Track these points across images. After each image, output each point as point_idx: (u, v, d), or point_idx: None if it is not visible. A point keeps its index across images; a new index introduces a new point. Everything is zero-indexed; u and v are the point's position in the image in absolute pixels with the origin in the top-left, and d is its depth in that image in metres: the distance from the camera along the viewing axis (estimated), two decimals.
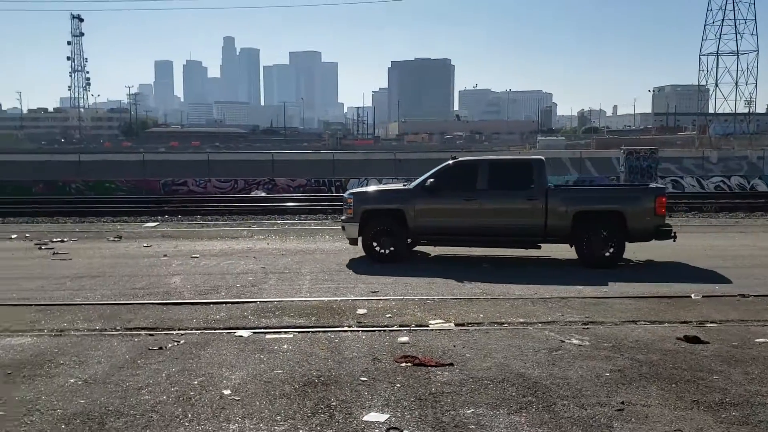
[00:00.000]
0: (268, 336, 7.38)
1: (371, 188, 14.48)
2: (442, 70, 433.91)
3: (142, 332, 7.63)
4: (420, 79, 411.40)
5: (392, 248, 12.52)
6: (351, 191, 13.60)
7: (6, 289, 10.17)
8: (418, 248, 13.63)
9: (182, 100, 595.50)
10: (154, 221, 21.79)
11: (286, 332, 7.53)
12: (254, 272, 11.50)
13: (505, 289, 9.88)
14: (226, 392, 5.52)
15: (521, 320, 8.07)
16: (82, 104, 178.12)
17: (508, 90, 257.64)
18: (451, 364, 6.23)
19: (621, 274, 11.20)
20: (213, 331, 7.65)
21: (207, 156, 45.54)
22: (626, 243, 11.97)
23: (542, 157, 12.76)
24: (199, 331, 7.65)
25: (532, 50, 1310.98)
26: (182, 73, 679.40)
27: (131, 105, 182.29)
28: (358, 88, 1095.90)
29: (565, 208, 11.97)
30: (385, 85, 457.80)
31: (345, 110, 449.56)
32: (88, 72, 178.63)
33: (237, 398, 5.38)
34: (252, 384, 5.73)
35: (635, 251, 12.61)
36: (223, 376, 5.96)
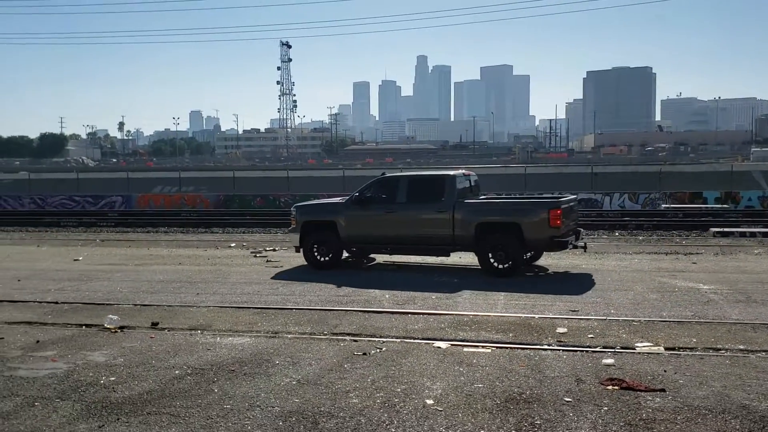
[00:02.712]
0: (466, 349, 7.41)
1: (314, 202, 16.06)
2: (643, 78, 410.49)
3: (347, 338, 8.02)
4: (618, 89, 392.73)
5: (329, 256, 13.73)
6: (295, 204, 15.07)
7: (228, 292, 11.22)
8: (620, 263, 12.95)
9: (377, 118, 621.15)
10: None
11: (483, 346, 7.51)
12: (449, 285, 11.63)
13: (720, 313, 9.07)
14: (429, 402, 5.62)
15: (741, 347, 7.36)
16: (289, 125, 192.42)
17: (716, 98, 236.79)
18: (663, 390, 5.84)
19: None
20: (412, 341, 7.83)
21: (400, 171, 46.99)
22: (526, 253, 13.04)
23: (454, 174, 13.62)
24: (399, 340, 7.88)
25: (743, 54, 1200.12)
26: (378, 92, 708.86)
27: (332, 125, 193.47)
28: (551, 100, 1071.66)
29: (469, 220, 12.75)
30: (580, 96, 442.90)
31: (536, 123, 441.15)
32: (294, 95, 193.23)
33: (440, 409, 5.45)
34: (453, 395, 5.78)
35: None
36: (425, 385, 6.08)
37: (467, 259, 14.04)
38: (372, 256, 14.96)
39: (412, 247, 13.65)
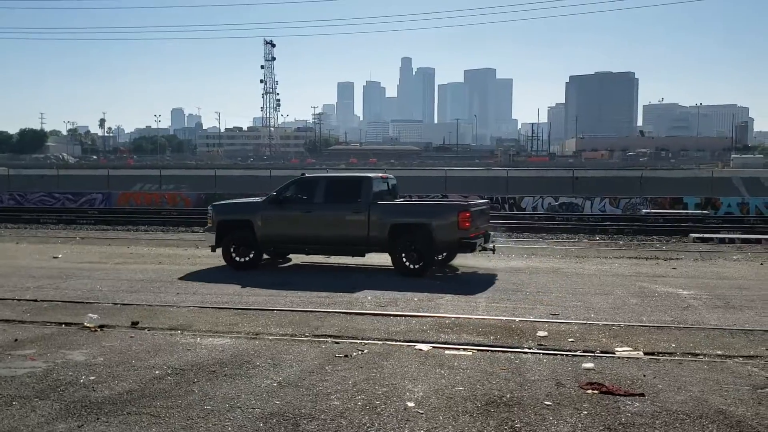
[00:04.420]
0: (447, 351, 7.44)
1: (232, 201, 16.02)
2: (625, 83, 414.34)
3: (329, 339, 8.01)
4: (600, 94, 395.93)
5: (249, 257, 13.66)
6: (212, 204, 14.99)
7: (208, 292, 11.16)
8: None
9: (361, 118, 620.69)
10: None
11: (465, 349, 7.54)
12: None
13: (699, 318, 9.18)
14: (410, 404, 5.63)
15: (719, 352, 7.46)
16: (272, 124, 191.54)
17: (698, 104, 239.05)
18: (642, 395, 5.90)
19: None
20: (394, 343, 7.84)
21: (384, 172, 47.00)
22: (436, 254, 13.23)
23: (371, 176, 13.78)
24: (381, 342, 7.88)
25: (725, 62, 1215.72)
26: (362, 93, 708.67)
27: (315, 124, 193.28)
28: (533, 104, 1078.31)
29: (383, 221, 13.01)
30: (562, 101, 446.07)
31: (519, 126, 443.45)
32: (278, 94, 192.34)
33: (421, 411, 5.47)
34: (434, 398, 5.80)
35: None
36: (406, 388, 6.09)
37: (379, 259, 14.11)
38: (290, 256, 14.99)
39: (329, 247, 13.77)
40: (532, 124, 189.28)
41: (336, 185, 13.89)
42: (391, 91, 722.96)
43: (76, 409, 5.51)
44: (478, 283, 12.10)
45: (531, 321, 8.99)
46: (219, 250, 13.94)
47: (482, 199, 16.45)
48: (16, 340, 7.92)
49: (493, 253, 14.33)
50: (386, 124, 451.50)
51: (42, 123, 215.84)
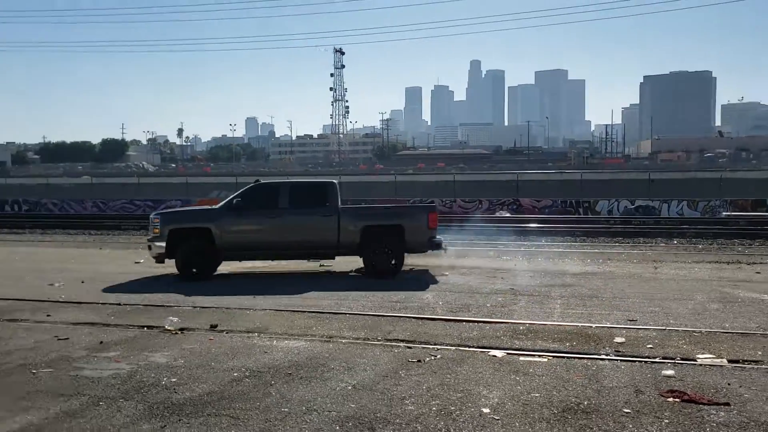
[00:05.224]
0: (522, 358, 7.34)
1: (179, 209, 15.91)
2: (702, 83, 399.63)
3: (401, 344, 8.03)
4: (676, 94, 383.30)
5: (205, 265, 13.42)
6: (157, 211, 14.72)
7: (283, 295, 11.38)
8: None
9: (429, 123, 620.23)
10: None
11: (540, 356, 7.43)
12: (503, 292, 11.53)
13: None
14: (486, 410, 5.59)
15: None
16: (341, 131, 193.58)
17: None
18: (727, 404, 5.67)
19: None
20: (467, 349, 7.79)
21: (453, 177, 46.85)
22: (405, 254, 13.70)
23: (335, 181, 14.30)
24: (454, 348, 7.85)
25: None
26: (430, 97, 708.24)
27: (383, 130, 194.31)
28: (607, 105, 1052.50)
29: (354, 224, 13.51)
30: (636, 101, 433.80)
31: (592, 128, 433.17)
32: (347, 101, 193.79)
33: (497, 417, 5.42)
34: (510, 404, 5.74)
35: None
36: (480, 394, 6.05)
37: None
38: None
39: (297, 252, 13.92)
40: (606, 125, 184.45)
41: (301, 190, 14.18)
42: (460, 95, 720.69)
43: (158, 410, 5.71)
44: (552, 288, 11.89)
45: (608, 327, 8.78)
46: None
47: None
48: (101, 342, 8.27)
49: (445, 252, 14.63)
50: (455, 128, 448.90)
51: (123, 133, 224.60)
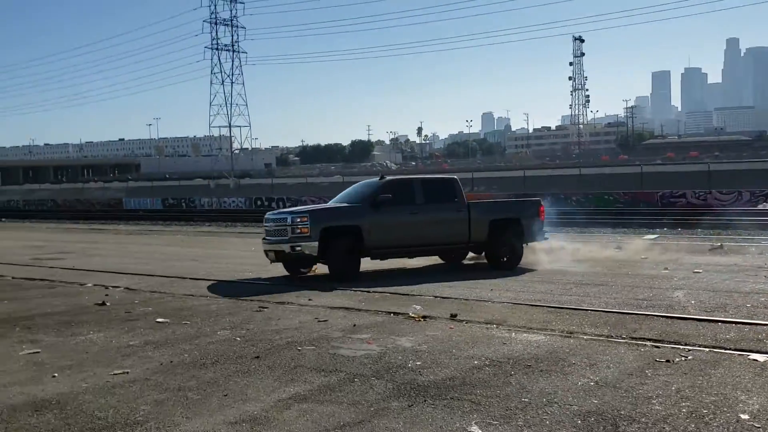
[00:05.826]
0: None
1: (323, 206, 15.29)
2: None
3: (648, 343, 7.65)
4: None
5: (352, 267, 13.06)
6: (305, 209, 14.04)
7: (521, 289, 11.43)
8: None
9: (679, 109, 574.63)
10: (653, 233, 21.59)
11: None
12: (766, 292, 10.42)
13: None
14: (744, 416, 5.15)
15: None
16: (581, 121, 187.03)
17: None
18: None
19: None
20: (722, 351, 7.20)
21: (707, 167, 43.10)
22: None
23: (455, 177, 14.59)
24: (707, 349, 7.30)
25: None
26: (680, 81, 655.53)
27: (628, 118, 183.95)
28: None
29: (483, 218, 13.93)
30: None
31: None
32: (587, 89, 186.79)
33: (757, 425, 4.97)
34: None
35: None
36: (738, 399, 5.58)
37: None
38: None
39: (435, 248, 14.25)
40: None
41: (431, 185, 14.38)
42: (714, 77, 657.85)
43: (405, 390, 6.09)
44: None
45: None
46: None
47: None
48: (354, 325, 9.00)
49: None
50: (709, 113, 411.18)
51: (368, 134, 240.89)
